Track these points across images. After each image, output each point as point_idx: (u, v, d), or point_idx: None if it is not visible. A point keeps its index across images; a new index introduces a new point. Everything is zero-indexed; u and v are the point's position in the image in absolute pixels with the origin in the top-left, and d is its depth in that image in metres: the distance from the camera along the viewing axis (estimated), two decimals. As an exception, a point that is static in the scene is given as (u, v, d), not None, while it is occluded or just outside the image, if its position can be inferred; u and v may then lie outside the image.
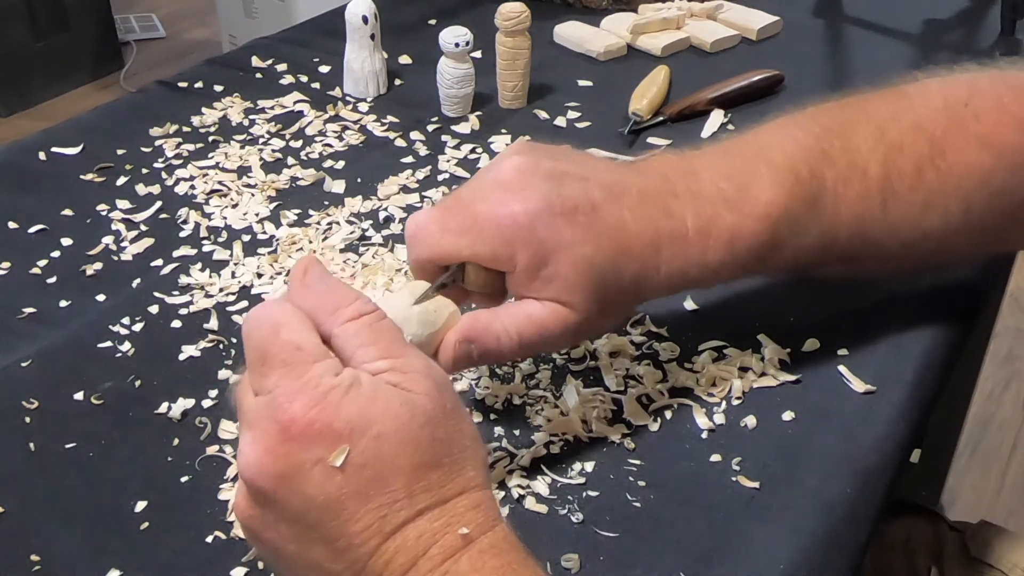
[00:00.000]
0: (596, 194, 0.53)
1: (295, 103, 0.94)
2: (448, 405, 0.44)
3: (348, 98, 0.95)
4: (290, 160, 0.85)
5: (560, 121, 0.91)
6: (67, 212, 0.78)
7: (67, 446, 0.58)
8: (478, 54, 0.99)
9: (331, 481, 0.41)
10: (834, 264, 0.60)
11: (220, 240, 0.75)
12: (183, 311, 0.68)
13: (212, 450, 0.57)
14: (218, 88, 0.96)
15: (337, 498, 0.41)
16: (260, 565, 0.51)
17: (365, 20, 0.92)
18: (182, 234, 0.76)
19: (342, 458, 0.41)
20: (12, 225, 0.77)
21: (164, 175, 0.83)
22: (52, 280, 0.71)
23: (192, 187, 0.81)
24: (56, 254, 0.74)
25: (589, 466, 0.56)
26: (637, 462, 0.56)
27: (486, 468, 0.46)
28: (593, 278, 0.52)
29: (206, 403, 0.61)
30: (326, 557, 0.42)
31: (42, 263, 0.73)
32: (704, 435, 0.58)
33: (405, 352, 0.45)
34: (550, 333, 0.53)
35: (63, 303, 0.69)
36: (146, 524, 0.53)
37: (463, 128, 0.90)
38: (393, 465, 0.41)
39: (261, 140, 0.88)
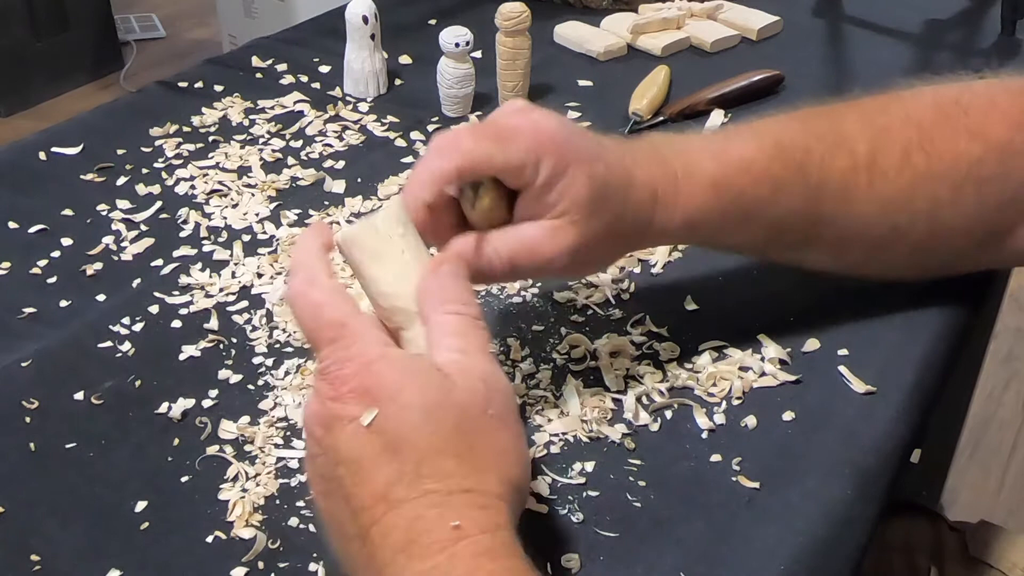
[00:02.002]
0: (594, 136, 0.56)
1: (295, 103, 0.94)
2: (491, 411, 0.45)
3: (348, 98, 0.95)
4: (290, 160, 0.85)
5: (560, 121, 0.91)
6: (67, 212, 0.78)
7: (67, 446, 0.58)
8: (478, 54, 0.99)
9: (357, 439, 0.43)
10: (823, 246, 0.61)
11: (220, 240, 0.75)
12: (183, 311, 0.68)
13: (212, 450, 0.57)
14: (218, 88, 0.96)
15: (359, 457, 0.43)
16: (260, 565, 0.51)
17: (365, 20, 0.92)
18: (182, 234, 0.76)
19: (370, 418, 0.43)
20: (12, 225, 0.77)
21: (164, 175, 0.83)
22: (52, 280, 0.71)
23: (192, 187, 0.81)
24: (56, 254, 0.74)
25: (589, 466, 0.56)
26: (637, 462, 0.56)
27: (514, 490, 0.45)
28: (603, 197, 0.54)
29: (206, 403, 0.61)
30: (346, 516, 0.44)
31: (42, 263, 0.73)
32: (704, 435, 0.58)
33: (478, 354, 0.47)
34: (543, 255, 0.54)
35: (63, 303, 0.69)
36: (146, 524, 0.53)
37: (463, 128, 0.90)
38: (409, 438, 0.43)
39: (261, 140, 0.88)
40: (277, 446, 0.58)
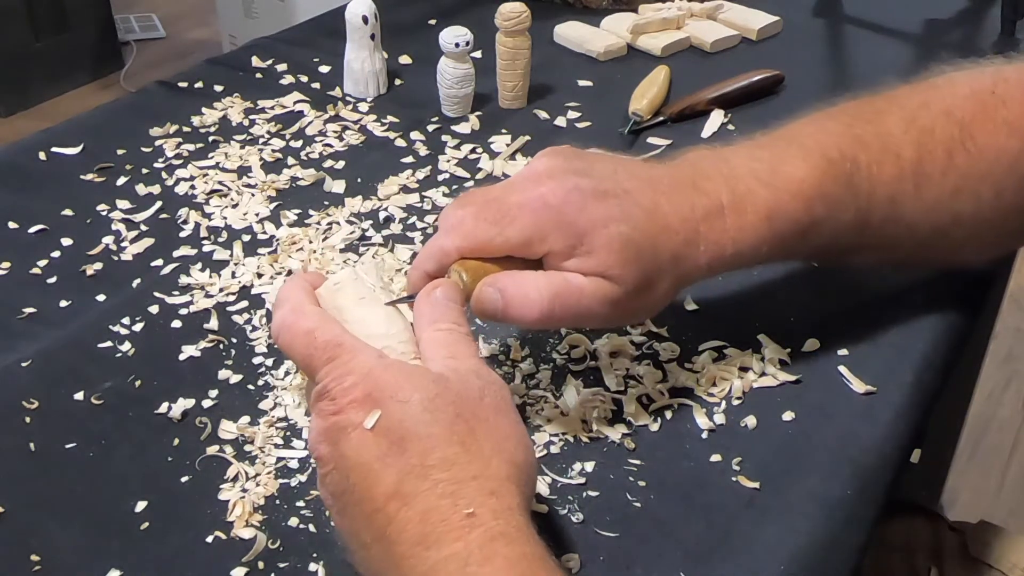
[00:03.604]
0: (626, 183, 0.55)
1: (295, 103, 0.94)
2: (488, 400, 0.46)
3: (348, 98, 0.95)
4: (290, 160, 0.85)
5: (560, 121, 0.91)
6: (67, 212, 0.78)
7: (67, 446, 0.58)
8: (478, 54, 0.99)
9: (364, 443, 0.44)
10: (869, 251, 0.61)
11: (220, 240, 0.75)
12: (183, 311, 0.68)
13: (212, 450, 0.57)
14: (218, 88, 0.96)
15: (368, 460, 0.43)
16: (260, 565, 0.51)
17: (365, 20, 0.92)
18: (182, 234, 0.76)
19: (373, 420, 0.44)
20: (12, 225, 0.77)
21: (164, 175, 0.83)
22: (52, 280, 0.71)
23: (192, 187, 0.81)
24: (56, 254, 0.74)
25: (589, 466, 0.56)
26: (637, 462, 0.56)
27: (520, 471, 0.45)
28: (631, 252, 0.53)
29: (206, 403, 0.61)
30: (362, 524, 0.44)
31: (42, 263, 0.73)
32: (704, 435, 0.58)
33: (469, 359, 0.48)
34: (587, 303, 0.53)
35: (63, 303, 0.69)
36: (146, 524, 0.53)
37: (463, 128, 0.90)
38: (412, 431, 0.43)
39: (261, 140, 0.88)
40: (277, 446, 0.58)
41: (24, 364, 0.63)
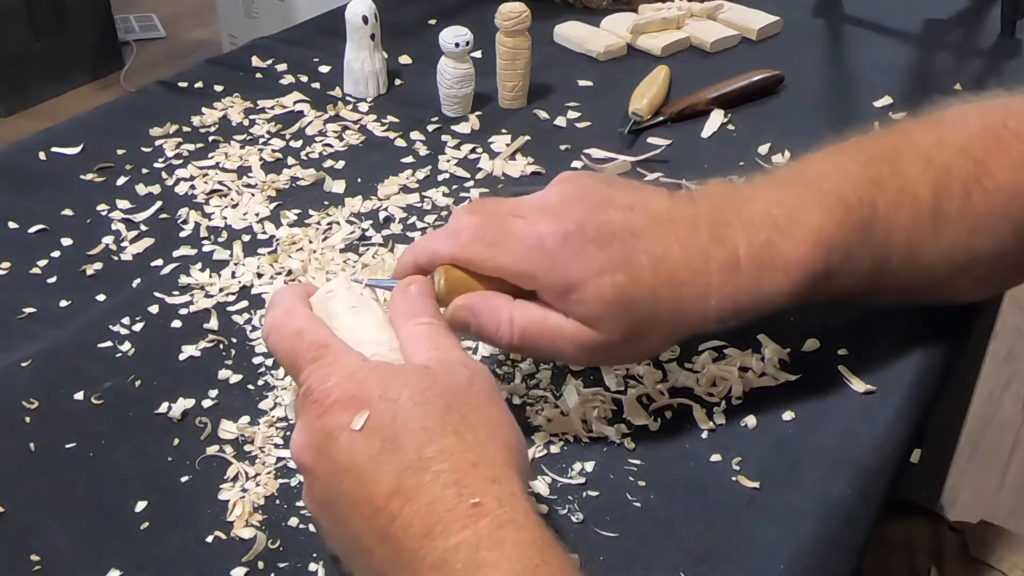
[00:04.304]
0: (639, 223, 0.53)
1: (295, 103, 0.94)
2: (477, 387, 0.46)
3: (348, 98, 0.95)
4: (290, 160, 0.85)
5: (560, 121, 0.91)
6: (67, 212, 0.78)
7: (67, 446, 0.58)
8: (478, 54, 0.99)
9: (355, 445, 0.43)
10: (886, 293, 0.60)
11: (220, 240, 0.75)
12: (183, 311, 0.68)
13: (212, 450, 0.57)
14: (218, 88, 0.96)
15: (360, 462, 0.43)
16: (260, 565, 0.51)
17: (365, 20, 0.92)
18: (182, 234, 0.76)
19: (362, 421, 0.43)
20: (12, 225, 0.77)
21: (164, 175, 0.83)
22: (52, 280, 0.71)
23: (192, 187, 0.81)
24: (56, 254, 0.74)
25: (589, 466, 0.56)
26: (637, 462, 0.56)
27: (516, 455, 0.45)
28: (623, 307, 0.52)
29: (206, 403, 0.61)
30: (359, 529, 0.43)
31: (42, 263, 0.73)
32: (704, 435, 0.58)
33: (453, 350, 0.48)
34: (561, 344, 0.53)
35: (63, 303, 0.69)
36: (146, 524, 0.53)
37: (463, 128, 0.90)
38: (405, 427, 0.43)
39: (261, 140, 0.88)
40: (277, 446, 0.58)
41: (24, 364, 0.63)
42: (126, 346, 0.65)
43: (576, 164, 0.85)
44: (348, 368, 0.45)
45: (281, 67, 1.01)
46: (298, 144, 0.88)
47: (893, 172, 0.57)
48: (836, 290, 0.57)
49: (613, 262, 0.51)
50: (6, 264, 0.73)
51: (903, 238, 0.57)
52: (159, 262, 0.73)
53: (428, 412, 0.44)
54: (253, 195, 0.80)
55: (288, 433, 0.58)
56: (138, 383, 0.62)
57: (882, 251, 0.57)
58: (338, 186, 0.81)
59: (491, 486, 0.42)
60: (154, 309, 0.68)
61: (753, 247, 0.54)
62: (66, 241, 0.75)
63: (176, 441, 0.58)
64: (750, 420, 0.59)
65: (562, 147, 0.87)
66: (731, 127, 0.90)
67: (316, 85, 0.98)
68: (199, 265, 0.72)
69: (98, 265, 0.73)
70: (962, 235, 0.58)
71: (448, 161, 0.85)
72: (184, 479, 0.56)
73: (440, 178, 0.83)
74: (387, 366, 0.46)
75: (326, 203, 0.79)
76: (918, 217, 0.57)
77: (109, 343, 0.65)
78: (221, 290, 0.70)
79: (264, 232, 0.76)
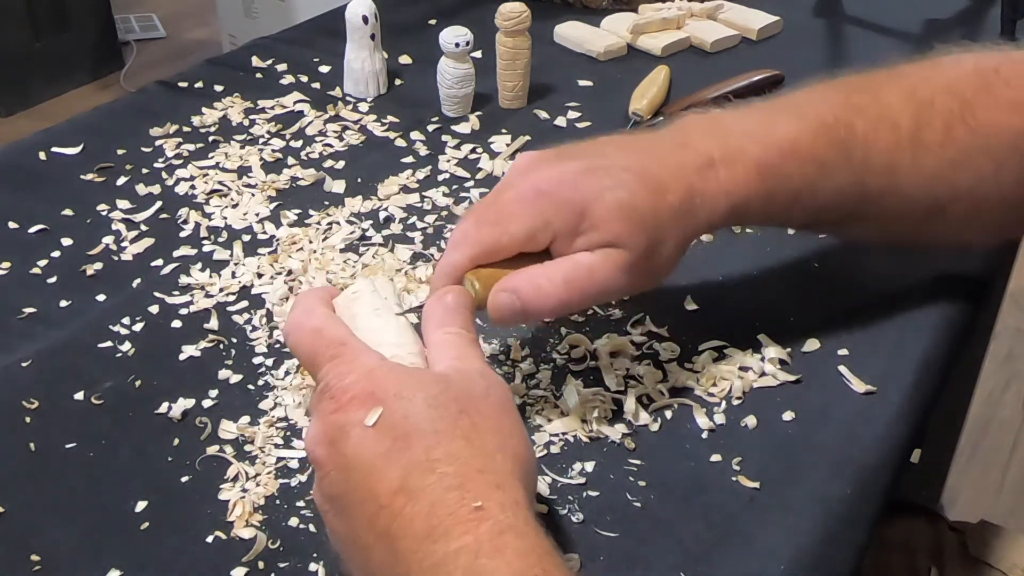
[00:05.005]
0: (613, 154, 0.56)
1: (295, 103, 0.94)
2: (492, 398, 0.46)
3: (348, 98, 0.95)
4: (290, 160, 0.85)
5: (560, 121, 0.91)
6: (67, 212, 0.78)
7: (67, 446, 0.58)
8: (478, 54, 0.99)
9: (366, 440, 0.43)
10: (870, 222, 0.61)
11: (220, 240, 0.75)
12: (183, 311, 0.68)
13: (212, 450, 0.57)
14: (218, 88, 0.96)
15: (370, 458, 0.43)
16: (260, 565, 0.51)
17: (365, 20, 0.92)
18: (182, 234, 0.76)
19: (375, 417, 0.44)
20: (12, 225, 0.77)
21: (164, 175, 0.83)
22: (52, 280, 0.71)
23: (192, 187, 0.81)
24: (56, 254, 0.74)
25: (589, 466, 0.56)
26: (637, 462, 0.56)
27: (524, 468, 0.45)
28: (633, 216, 0.54)
29: (206, 403, 0.61)
30: (362, 525, 0.43)
31: (42, 263, 0.73)
32: (704, 435, 0.58)
33: (474, 361, 0.48)
34: (600, 277, 0.54)
35: (63, 303, 0.69)
36: (146, 524, 0.53)
37: (463, 128, 0.90)
38: (416, 427, 0.43)
39: (261, 140, 0.88)
40: (277, 446, 0.58)
41: (24, 364, 0.63)
42: (126, 346, 0.65)
43: (576, 164, 0.85)
44: (366, 366, 0.46)
45: (281, 67, 1.01)
46: (298, 144, 0.88)
47: (874, 100, 0.59)
48: (816, 205, 0.59)
49: (606, 183, 0.54)
50: (6, 264, 0.73)
51: (883, 161, 0.58)
52: (159, 262, 0.73)
53: (440, 415, 0.44)
54: (253, 195, 0.80)
55: (288, 433, 0.59)
56: (138, 383, 0.62)
57: (861, 169, 0.58)
58: (338, 186, 0.81)
59: (494, 492, 0.42)
60: (154, 309, 0.68)
61: (726, 150, 0.56)
62: (66, 241, 0.75)
63: (176, 441, 0.58)
64: (750, 420, 0.59)
65: (562, 147, 0.87)
66: (731, 127, 0.90)
67: (316, 85, 0.98)
68: (199, 265, 0.72)
69: (98, 265, 0.73)
70: (943, 166, 0.59)
71: (448, 161, 0.85)
72: (184, 479, 0.56)
73: (440, 178, 0.83)
74: (404, 367, 0.47)
75: (326, 203, 0.79)
76: (898, 143, 0.58)
77: (109, 343, 0.65)
78: (221, 290, 0.70)
79: (264, 232, 0.76)
